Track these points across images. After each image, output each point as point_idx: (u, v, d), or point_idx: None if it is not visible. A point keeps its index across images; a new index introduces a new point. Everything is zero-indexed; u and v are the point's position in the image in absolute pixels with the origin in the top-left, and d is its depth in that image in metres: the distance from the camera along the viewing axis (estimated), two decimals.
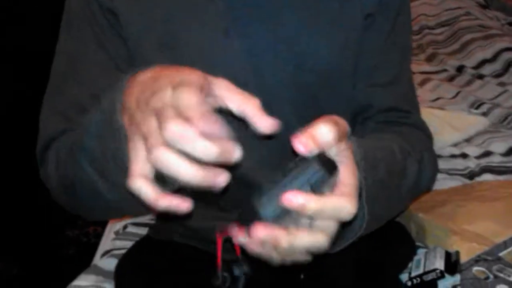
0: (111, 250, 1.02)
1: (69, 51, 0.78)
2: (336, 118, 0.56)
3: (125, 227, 1.11)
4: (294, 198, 0.51)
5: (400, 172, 0.76)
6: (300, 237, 0.53)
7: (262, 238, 0.51)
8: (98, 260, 1.01)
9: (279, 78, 0.77)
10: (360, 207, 0.63)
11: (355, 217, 0.63)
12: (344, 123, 0.57)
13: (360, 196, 0.63)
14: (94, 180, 0.64)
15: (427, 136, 0.88)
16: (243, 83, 0.75)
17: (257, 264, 0.88)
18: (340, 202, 0.53)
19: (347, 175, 0.55)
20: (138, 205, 0.56)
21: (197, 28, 0.74)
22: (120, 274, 0.92)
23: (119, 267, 0.93)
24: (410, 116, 0.87)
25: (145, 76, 0.56)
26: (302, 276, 0.87)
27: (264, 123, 0.51)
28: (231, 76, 0.75)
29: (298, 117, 0.78)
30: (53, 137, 0.76)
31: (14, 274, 1.63)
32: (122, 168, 0.56)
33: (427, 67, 2.00)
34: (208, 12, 0.74)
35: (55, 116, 0.77)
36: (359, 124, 0.85)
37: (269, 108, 0.77)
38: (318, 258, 0.87)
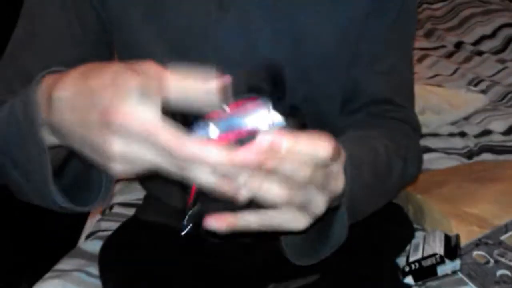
0: (97, 232, 0.98)
1: (30, 16, 0.74)
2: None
3: (111, 207, 1.07)
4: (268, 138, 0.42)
5: (385, 173, 0.74)
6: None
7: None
8: (83, 243, 0.97)
9: (275, 57, 0.74)
10: (340, 215, 0.60)
11: (334, 229, 0.62)
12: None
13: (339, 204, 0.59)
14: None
15: (414, 130, 0.85)
16: (236, 61, 0.72)
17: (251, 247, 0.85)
18: (318, 143, 0.45)
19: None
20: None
21: (189, 1, 0.70)
22: (105, 257, 0.88)
23: (103, 249, 0.90)
24: (402, 110, 0.84)
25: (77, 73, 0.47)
26: None
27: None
28: (223, 52, 0.72)
29: (289, 95, 0.75)
30: None
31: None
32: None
33: (425, 43, 1.96)
34: None
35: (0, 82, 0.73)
36: (346, 115, 0.82)
37: None
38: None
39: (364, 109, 0.82)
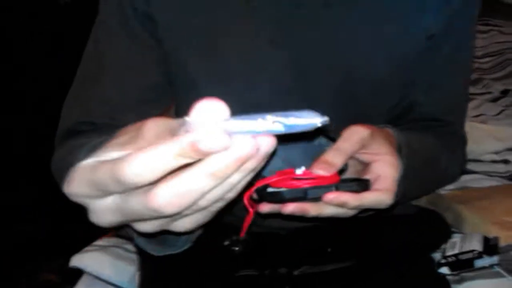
0: None
1: (98, 53, 0.77)
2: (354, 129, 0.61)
3: None
4: (336, 197, 0.55)
5: (433, 163, 0.78)
6: (326, 207, 0.57)
7: (292, 211, 0.56)
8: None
9: (325, 85, 0.75)
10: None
11: None
12: (361, 131, 0.61)
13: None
14: None
15: (461, 140, 0.89)
16: (284, 89, 0.75)
17: (289, 237, 0.85)
18: (379, 196, 0.58)
19: (387, 168, 0.60)
20: None
21: (240, 36, 0.73)
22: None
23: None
24: (450, 125, 0.86)
25: None
26: (329, 250, 0.84)
27: None
28: (276, 80, 0.75)
29: (338, 119, 0.77)
30: (71, 128, 0.76)
31: (43, 237, 1.64)
32: None
33: (471, 89, 1.95)
34: (254, 21, 0.72)
35: (75, 108, 0.77)
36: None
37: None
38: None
39: (412, 122, 0.84)
